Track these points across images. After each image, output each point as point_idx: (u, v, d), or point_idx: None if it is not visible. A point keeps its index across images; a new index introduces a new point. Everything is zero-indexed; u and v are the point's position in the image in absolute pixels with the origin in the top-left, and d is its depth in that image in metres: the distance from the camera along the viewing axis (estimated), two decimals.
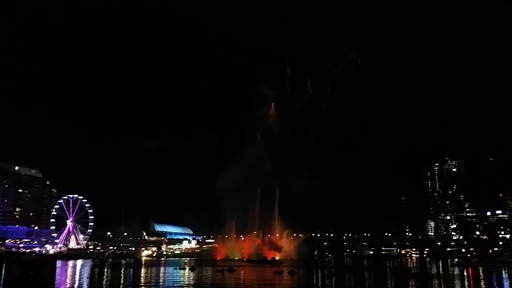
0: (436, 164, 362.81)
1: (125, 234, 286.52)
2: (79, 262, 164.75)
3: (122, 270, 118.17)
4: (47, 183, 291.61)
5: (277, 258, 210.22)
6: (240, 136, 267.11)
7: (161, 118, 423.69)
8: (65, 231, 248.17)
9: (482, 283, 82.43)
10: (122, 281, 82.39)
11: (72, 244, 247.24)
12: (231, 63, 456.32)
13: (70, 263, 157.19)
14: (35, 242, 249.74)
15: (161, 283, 77.49)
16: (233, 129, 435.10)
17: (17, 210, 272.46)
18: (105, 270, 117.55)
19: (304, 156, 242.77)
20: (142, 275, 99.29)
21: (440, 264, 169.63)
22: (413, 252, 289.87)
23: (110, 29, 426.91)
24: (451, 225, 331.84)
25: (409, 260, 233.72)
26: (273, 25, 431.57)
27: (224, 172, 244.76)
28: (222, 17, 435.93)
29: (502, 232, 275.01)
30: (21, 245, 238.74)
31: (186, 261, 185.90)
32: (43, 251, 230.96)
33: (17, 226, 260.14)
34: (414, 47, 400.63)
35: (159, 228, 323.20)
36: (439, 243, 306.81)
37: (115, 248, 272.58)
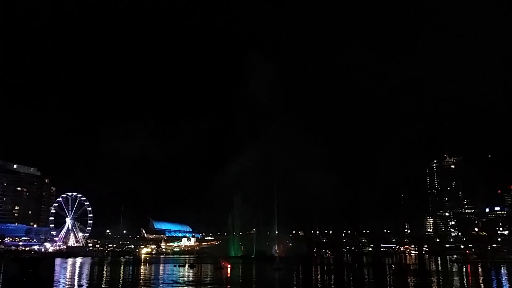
0: (435, 161, 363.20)
1: (124, 231, 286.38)
2: (79, 260, 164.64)
3: (122, 268, 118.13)
4: (46, 181, 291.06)
5: (276, 255, 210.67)
6: (239, 123, 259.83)
7: (157, 109, 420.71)
8: (64, 229, 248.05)
9: (481, 280, 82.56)
10: (121, 279, 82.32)
11: (71, 242, 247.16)
12: (222, 43, 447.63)
13: (70, 261, 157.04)
14: (34, 240, 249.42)
15: (160, 281, 77.46)
16: (231, 114, 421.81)
17: (16, 208, 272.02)
18: (105, 267, 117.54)
19: (305, 152, 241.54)
20: (142, 272, 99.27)
21: (439, 260, 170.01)
22: (412, 248, 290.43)
23: (96, 19, 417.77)
24: (450, 221, 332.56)
25: (408, 256, 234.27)
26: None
27: (222, 167, 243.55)
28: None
29: (501, 229, 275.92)
30: (20, 243, 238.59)
31: (185, 258, 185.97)
32: (42, 249, 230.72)
33: (16, 224, 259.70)
34: (411, 46, 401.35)
35: (158, 225, 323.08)
36: (438, 240, 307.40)
37: (114, 245, 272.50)
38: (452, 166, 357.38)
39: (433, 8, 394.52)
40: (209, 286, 68.65)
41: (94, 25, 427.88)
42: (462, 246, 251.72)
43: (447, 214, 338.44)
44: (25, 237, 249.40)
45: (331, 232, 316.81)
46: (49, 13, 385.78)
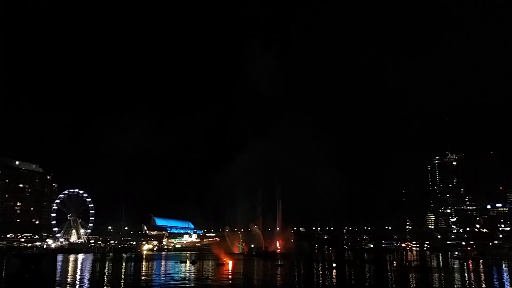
0: (437, 158, 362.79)
1: (126, 228, 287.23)
2: (80, 256, 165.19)
3: (123, 264, 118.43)
4: (48, 177, 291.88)
5: (278, 251, 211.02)
6: (242, 118, 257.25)
7: (158, 104, 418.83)
8: (66, 225, 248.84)
9: (482, 276, 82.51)
10: (123, 275, 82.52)
11: (73, 239, 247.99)
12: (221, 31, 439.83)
13: (71, 257, 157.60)
14: (36, 236, 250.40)
15: (162, 277, 77.59)
16: (235, 108, 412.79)
17: (18, 204, 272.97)
18: (106, 264, 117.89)
19: (308, 148, 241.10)
20: (143, 269, 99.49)
21: (440, 257, 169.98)
22: (413, 245, 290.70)
23: (94, 16, 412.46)
24: (451, 218, 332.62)
25: (409, 253, 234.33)
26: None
27: (224, 164, 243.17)
28: None
29: (502, 225, 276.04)
30: (22, 240, 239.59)
31: (187, 255, 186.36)
32: (45, 246, 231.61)
33: (18, 220, 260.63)
34: (414, 45, 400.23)
35: (159, 222, 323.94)
36: (439, 236, 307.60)
37: (116, 242, 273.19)
38: (454, 163, 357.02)
39: (435, 8, 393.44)
40: (210, 283, 68.74)
41: (93, 23, 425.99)
42: (463, 243, 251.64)
43: (448, 210, 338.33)
44: (27, 233, 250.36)
45: (332, 228, 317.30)
46: (49, 12, 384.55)
